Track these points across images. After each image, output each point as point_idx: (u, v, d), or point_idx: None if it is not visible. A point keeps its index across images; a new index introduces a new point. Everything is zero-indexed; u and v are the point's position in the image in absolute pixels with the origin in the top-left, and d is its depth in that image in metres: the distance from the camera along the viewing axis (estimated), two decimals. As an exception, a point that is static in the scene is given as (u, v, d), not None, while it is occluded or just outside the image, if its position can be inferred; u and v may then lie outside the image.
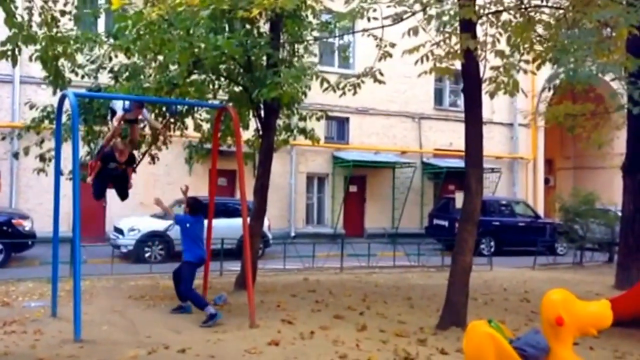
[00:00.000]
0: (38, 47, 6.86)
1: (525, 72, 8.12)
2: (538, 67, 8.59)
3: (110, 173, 8.39)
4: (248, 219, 8.87)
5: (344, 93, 8.61)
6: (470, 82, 7.83)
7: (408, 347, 6.87)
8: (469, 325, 5.05)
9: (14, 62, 6.42)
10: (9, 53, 6.35)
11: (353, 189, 23.57)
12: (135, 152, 9.04)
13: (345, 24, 9.95)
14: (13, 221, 14.38)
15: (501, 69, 7.71)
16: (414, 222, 24.17)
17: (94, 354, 6.19)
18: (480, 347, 4.75)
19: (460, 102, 25.12)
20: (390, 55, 8.25)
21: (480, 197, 7.95)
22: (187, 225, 8.30)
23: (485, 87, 7.92)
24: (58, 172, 7.96)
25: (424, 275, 14.25)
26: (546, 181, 28.58)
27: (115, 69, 9.77)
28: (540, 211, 24.78)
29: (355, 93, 8.43)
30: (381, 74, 8.20)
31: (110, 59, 9.77)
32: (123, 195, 8.87)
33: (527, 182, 27.00)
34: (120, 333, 7.24)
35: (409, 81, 22.45)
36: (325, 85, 8.38)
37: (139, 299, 9.53)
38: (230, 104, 9.56)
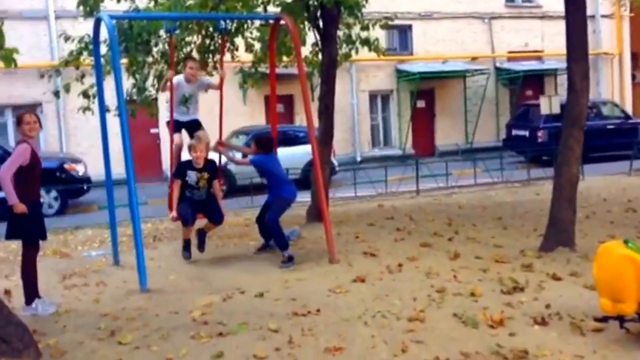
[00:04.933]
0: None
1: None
2: None
3: (193, 197, 7.48)
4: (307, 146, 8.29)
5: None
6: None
7: (513, 274, 6.33)
8: (601, 248, 4.46)
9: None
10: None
11: (421, 104, 22.74)
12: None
13: None
14: (65, 166, 14.35)
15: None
16: (490, 135, 23.27)
17: (164, 305, 5.91)
18: (619, 273, 4.18)
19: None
20: None
21: (587, 96, 7.15)
22: (266, 165, 7.72)
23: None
24: (103, 109, 7.56)
25: (509, 192, 13.62)
26: (632, 77, 26.87)
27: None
28: (629, 111, 23.35)
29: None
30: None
31: (147, -24, 9.17)
32: (218, 220, 7.82)
33: (612, 80, 25.44)
34: (190, 279, 6.96)
35: (475, -23, 21.13)
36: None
37: (206, 240, 9.27)
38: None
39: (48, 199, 13.74)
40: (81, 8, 7.33)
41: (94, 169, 14.71)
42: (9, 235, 5.85)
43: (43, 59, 16.94)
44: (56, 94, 9.96)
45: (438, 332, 4.85)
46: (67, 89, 9.76)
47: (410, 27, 22.35)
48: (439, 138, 23.32)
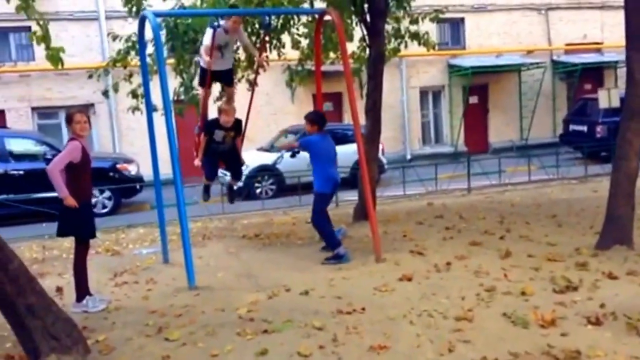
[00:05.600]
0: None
1: None
2: None
3: (218, 149, 7.80)
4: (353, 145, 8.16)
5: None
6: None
7: (566, 273, 6.19)
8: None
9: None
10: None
11: (473, 100, 22.44)
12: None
13: None
14: (118, 166, 14.70)
15: None
16: (546, 130, 22.83)
17: (211, 302, 6.00)
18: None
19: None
20: None
21: (647, 87, 6.92)
22: (316, 146, 7.57)
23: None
24: (150, 108, 7.69)
25: (565, 189, 13.34)
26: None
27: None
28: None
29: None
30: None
31: (194, -27, 9.24)
32: (237, 175, 8.46)
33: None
34: (237, 277, 7.05)
35: (531, -32, 20.79)
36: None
37: (254, 238, 9.39)
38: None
39: (102, 198, 14.16)
40: (127, 7, 7.44)
41: (147, 169, 14.99)
42: (61, 232, 6.03)
43: (94, 60, 17.35)
44: (105, 93, 10.15)
45: (486, 332, 4.78)
46: (115, 88, 9.96)
47: (462, 20, 22.09)
48: (492, 135, 22.97)
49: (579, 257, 6.82)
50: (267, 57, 9.44)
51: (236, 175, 8.48)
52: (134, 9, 6.95)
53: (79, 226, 5.93)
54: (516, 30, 22.65)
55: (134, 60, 9.59)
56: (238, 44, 7.88)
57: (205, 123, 7.85)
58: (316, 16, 8.51)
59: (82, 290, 6.06)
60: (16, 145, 14.05)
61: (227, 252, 8.48)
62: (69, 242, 8.83)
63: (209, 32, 7.26)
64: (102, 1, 18.13)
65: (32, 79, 18.26)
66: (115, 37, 9.86)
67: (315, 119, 7.70)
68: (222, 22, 7.25)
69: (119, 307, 6.08)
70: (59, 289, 6.73)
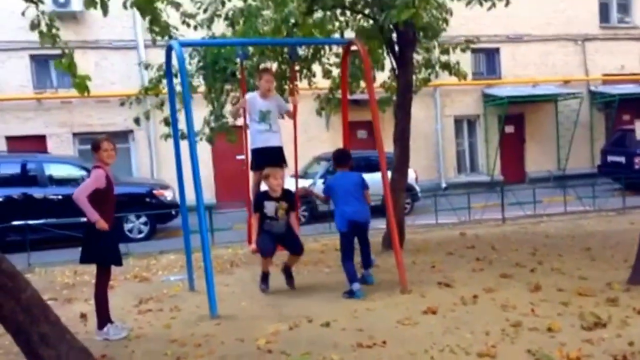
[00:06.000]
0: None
1: None
2: None
3: (272, 228, 7.19)
4: (388, 172, 7.94)
5: (493, 5, 7.51)
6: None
7: (596, 309, 5.92)
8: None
9: (105, 11, 5.95)
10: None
11: (509, 129, 22.17)
12: None
13: None
14: (154, 192, 14.87)
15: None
16: (584, 161, 22.40)
17: (232, 332, 5.90)
18: None
19: (631, 18, 22.76)
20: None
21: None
22: (334, 184, 7.31)
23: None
24: (177, 136, 7.71)
25: (602, 221, 12.97)
26: None
27: (230, 14, 9.27)
28: None
29: (507, 4, 7.30)
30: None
31: (223, 3, 9.24)
32: (297, 250, 7.45)
33: None
34: (261, 305, 6.94)
35: (568, -2, 20.60)
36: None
37: (280, 266, 9.27)
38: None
39: (138, 224, 14.31)
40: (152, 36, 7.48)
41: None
42: (84, 259, 6.03)
43: (134, 87, 17.57)
44: (136, 121, 10.24)
45: (509, 370, 4.58)
46: (147, 116, 10.08)
47: (497, 50, 21.94)
48: (529, 164, 22.62)
49: (610, 292, 6.53)
50: (296, 85, 9.42)
51: (296, 250, 7.46)
52: (165, 37, 6.99)
53: (100, 253, 5.92)
54: (552, 60, 22.39)
55: (165, 88, 9.68)
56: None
57: (254, 199, 7.41)
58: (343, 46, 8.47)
59: (103, 317, 6.02)
60: (55, 170, 14.34)
61: (254, 280, 8.34)
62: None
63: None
64: (141, 30, 18.43)
65: (73, 105, 18.63)
66: (147, 66, 10.00)
67: (336, 157, 7.55)
68: (253, 93, 7.33)
69: (140, 335, 6.02)
70: (83, 315, 6.72)
